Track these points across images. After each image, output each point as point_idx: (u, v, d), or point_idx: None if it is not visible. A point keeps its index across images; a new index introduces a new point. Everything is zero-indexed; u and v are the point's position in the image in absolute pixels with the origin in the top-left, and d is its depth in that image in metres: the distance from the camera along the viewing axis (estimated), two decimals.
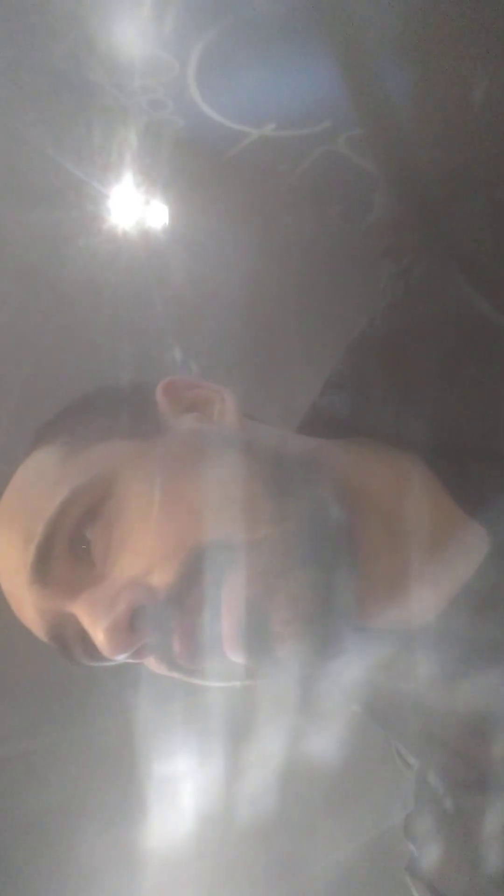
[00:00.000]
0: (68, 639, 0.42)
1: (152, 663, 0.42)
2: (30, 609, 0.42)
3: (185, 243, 0.82)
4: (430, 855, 0.44)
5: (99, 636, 0.38)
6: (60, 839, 0.84)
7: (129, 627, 0.38)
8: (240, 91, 0.75)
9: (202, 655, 0.38)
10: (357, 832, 0.93)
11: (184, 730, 0.76)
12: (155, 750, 0.78)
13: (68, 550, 0.41)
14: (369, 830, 0.92)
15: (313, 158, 0.78)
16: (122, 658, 0.39)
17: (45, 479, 0.43)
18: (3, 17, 0.64)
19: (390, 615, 0.42)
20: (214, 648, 0.38)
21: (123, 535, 0.40)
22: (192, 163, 0.79)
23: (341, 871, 0.94)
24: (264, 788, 0.79)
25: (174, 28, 0.68)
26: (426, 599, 0.42)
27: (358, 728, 0.50)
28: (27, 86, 0.70)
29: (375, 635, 0.42)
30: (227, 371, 0.80)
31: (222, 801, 0.82)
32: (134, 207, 0.80)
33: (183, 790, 0.82)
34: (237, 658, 0.38)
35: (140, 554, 0.39)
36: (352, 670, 0.43)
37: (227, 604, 0.37)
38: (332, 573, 0.39)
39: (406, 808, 0.48)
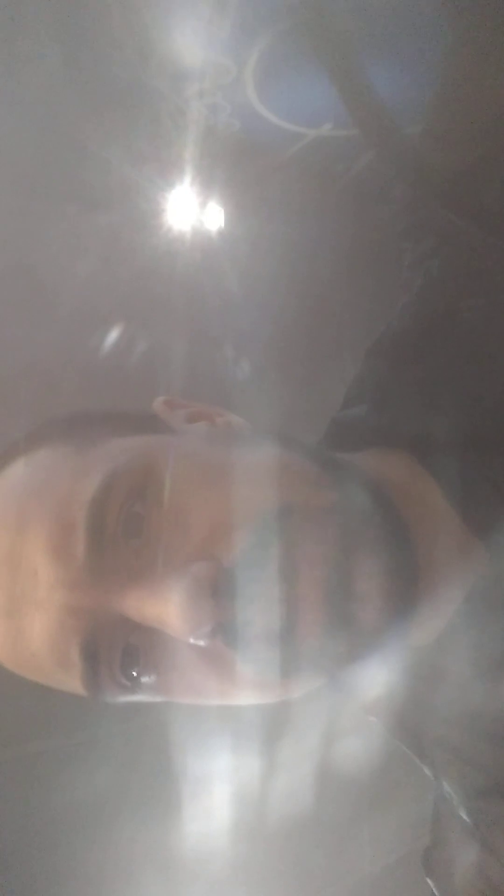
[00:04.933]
0: (101, 651, 0.37)
1: (197, 683, 0.38)
2: (56, 617, 0.36)
3: (240, 245, 0.83)
4: (450, 891, 0.43)
5: (173, 610, 0.34)
6: (88, 836, 0.85)
7: (210, 594, 0.34)
8: (297, 92, 0.75)
9: (279, 633, 0.35)
10: (390, 843, 0.92)
11: (216, 731, 0.76)
12: (187, 751, 0.79)
13: (119, 532, 0.36)
14: (393, 848, 0.90)
15: (370, 157, 0.77)
16: (194, 637, 0.35)
17: (64, 472, 0.38)
18: (64, 28, 0.66)
19: (405, 624, 0.39)
20: (291, 624, 0.34)
21: (174, 512, 0.36)
22: (249, 165, 0.80)
23: (366, 883, 0.93)
24: (291, 795, 0.78)
25: (232, 33, 0.69)
26: (431, 612, 0.40)
27: (380, 743, 0.49)
28: (88, 93, 0.72)
29: (385, 648, 0.41)
30: (280, 369, 0.81)
31: (249, 806, 0.82)
32: (191, 210, 0.81)
33: (213, 791, 0.82)
34: (319, 628, 0.34)
35: (197, 527, 0.36)
36: (362, 682, 0.42)
37: (307, 570, 0.34)
38: (395, 541, 0.37)
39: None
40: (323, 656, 0.36)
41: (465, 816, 0.42)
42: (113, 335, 0.82)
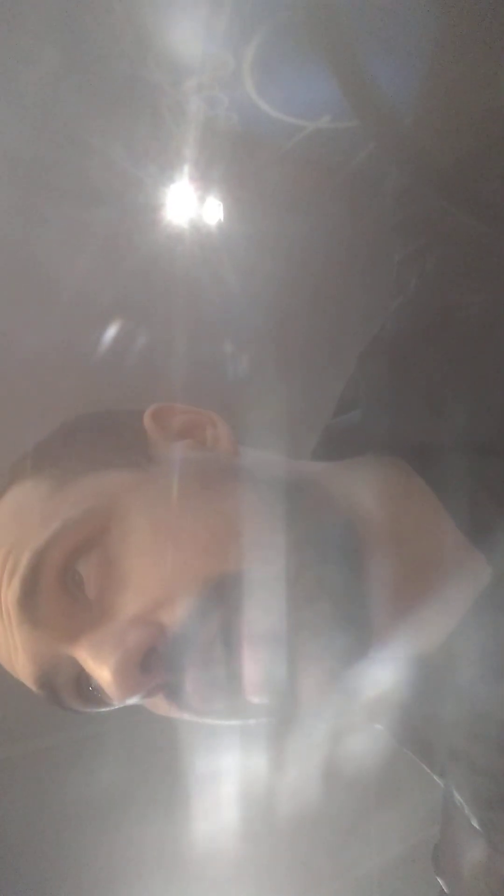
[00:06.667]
0: (60, 686, 0.39)
1: (157, 705, 0.40)
2: (19, 653, 0.39)
3: (240, 239, 0.83)
4: (460, 889, 0.43)
5: (106, 677, 0.36)
6: (95, 831, 0.86)
7: (140, 667, 0.36)
8: (295, 84, 0.74)
9: (218, 696, 0.36)
10: (395, 838, 0.92)
11: (222, 728, 0.76)
12: (194, 747, 0.79)
13: (58, 585, 0.38)
14: (398, 843, 0.90)
15: (370, 149, 0.77)
16: (129, 701, 0.37)
17: (31, 513, 0.40)
18: (61, 22, 0.65)
19: (398, 642, 0.40)
20: (232, 688, 0.36)
21: (123, 570, 0.37)
22: (248, 158, 0.79)
23: (372, 878, 0.93)
24: (297, 792, 0.78)
25: (229, 25, 0.68)
26: (432, 625, 0.40)
27: (385, 743, 0.49)
28: (85, 87, 0.72)
29: (387, 662, 0.40)
30: (280, 364, 0.80)
31: (255, 803, 0.82)
32: (189, 204, 0.81)
33: (219, 788, 0.82)
34: (261, 699, 0.36)
35: (144, 590, 0.37)
36: (367, 695, 0.42)
37: (249, 642, 0.35)
38: (349, 601, 0.37)
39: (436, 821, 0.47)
40: (264, 716, 0.37)
41: (476, 826, 0.42)
42: (112, 331, 0.82)
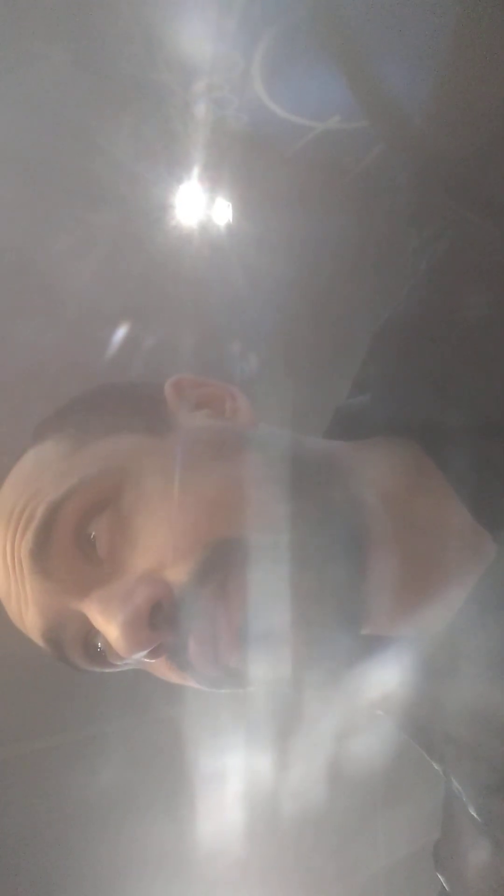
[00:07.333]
0: (66, 641, 0.40)
1: (158, 668, 0.40)
2: (29, 606, 0.39)
3: (249, 239, 0.83)
4: (460, 886, 0.43)
5: (114, 632, 0.36)
6: (97, 832, 0.86)
7: (148, 623, 0.36)
8: (305, 85, 0.74)
9: (215, 658, 0.37)
10: (401, 839, 0.91)
11: (225, 727, 0.76)
12: (197, 748, 0.79)
13: (71, 540, 0.39)
14: (405, 844, 0.90)
15: (379, 150, 0.77)
16: (134, 657, 0.37)
17: (50, 469, 0.41)
18: (71, 23, 0.66)
19: (402, 622, 0.40)
20: (229, 651, 0.37)
21: (134, 529, 0.38)
22: (257, 159, 0.79)
23: (378, 880, 0.93)
24: (302, 792, 0.78)
25: (239, 26, 0.68)
26: (437, 605, 0.40)
27: (389, 742, 0.49)
28: (95, 88, 0.72)
29: (389, 643, 0.40)
30: (289, 364, 0.80)
31: (258, 803, 0.82)
32: (199, 205, 0.81)
33: (222, 788, 0.82)
34: (233, 662, 0.37)
35: (152, 549, 0.38)
36: (368, 676, 0.42)
37: (229, 605, 0.36)
38: (341, 579, 0.37)
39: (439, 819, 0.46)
40: (250, 681, 0.38)
41: (474, 813, 0.42)
42: (121, 331, 0.82)
